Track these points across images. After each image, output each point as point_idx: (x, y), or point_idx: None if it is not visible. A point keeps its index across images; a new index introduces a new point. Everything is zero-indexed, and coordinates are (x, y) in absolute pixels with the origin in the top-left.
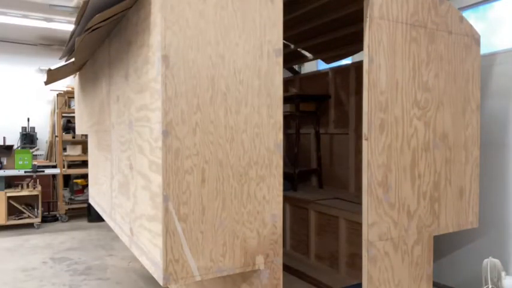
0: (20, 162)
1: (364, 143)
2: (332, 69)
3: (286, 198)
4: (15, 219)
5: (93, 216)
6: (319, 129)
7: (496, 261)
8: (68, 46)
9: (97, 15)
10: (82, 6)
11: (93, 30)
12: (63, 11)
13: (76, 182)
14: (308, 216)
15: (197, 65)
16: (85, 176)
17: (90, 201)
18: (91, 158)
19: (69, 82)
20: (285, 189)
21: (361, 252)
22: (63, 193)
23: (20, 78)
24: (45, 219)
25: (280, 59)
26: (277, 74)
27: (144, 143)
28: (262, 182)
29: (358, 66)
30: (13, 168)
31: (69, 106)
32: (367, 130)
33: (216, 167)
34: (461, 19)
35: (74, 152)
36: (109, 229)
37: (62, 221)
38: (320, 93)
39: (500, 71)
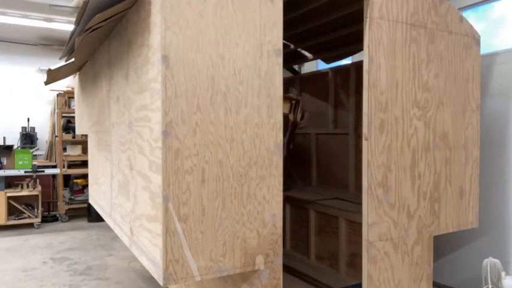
0: (20, 162)
1: (364, 143)
2: (332, 69)
3: (286, 198)
4: (15, 219)
5: (93, 216)
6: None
7: (496, 261)
8: (68, 46)
9: (97, 15)
10: (82, 6)
11: (93, 30)
12: (63, 11)
13: (76, 182)
14: (308, 216)
15: (197, 65)
16: (85, 176)
17: (90, 201)
18: (91, 158)
19: (69, 82)
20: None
21: (361, 252)
22: (63, 193)
23: (20, 78)
24: (45, 219)
25: (280, 59)
26: (277, 74)
27: (144, 143)
28: (262, 182)
29: (358, 66)
30: (13, 168)
31: (69, 106)
32: (367, 130)
33: (216, 167)
34: (461, 19)
35: (74, 152)
36: (109, 229)
37: (62, 221)
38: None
39: (500, 71)
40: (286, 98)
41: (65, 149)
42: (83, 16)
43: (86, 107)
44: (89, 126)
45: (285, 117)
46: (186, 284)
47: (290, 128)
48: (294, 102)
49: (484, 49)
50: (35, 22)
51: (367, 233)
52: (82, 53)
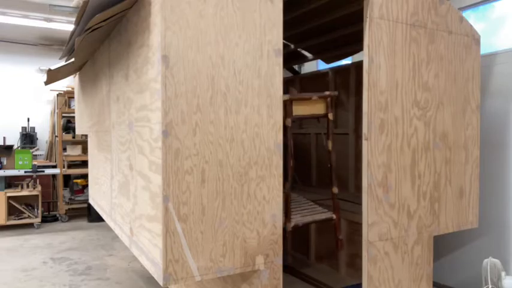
0: (20, 162)
1: (364, 143)
2: (332, 69)
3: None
4: (15, 219)
5: (93, 216)
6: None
7: (496, 261)
8: (68, 46)
9: (97, 16)
10: (82, 7)
11: (93, 30)
12: (63, 11)
13: (76, 182)
14: None
15: (197, 65)
16: (85, 176)
17: (90, 201)
18: (91, 158)
19: (69, 82)
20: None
21: (361, 252)
22: (63, 193)
23: (20, 78)
24: (45, 219)
25: (280, 59)
26: (277, 74)
27: (144, 143)
28: (262, 182)
29: (358, 66)
30: (13, 168)
31: (69, 106)
32: (367, 130)
33: (216, 167)
34: (461, 19)
35: (74, 152)
36: (109, 229)
37: (62, 221)
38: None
39: (500, 71)
40: (321, 98)
41: (65, 149)
42: (83, 16)
43: (86, 107)
44: (89, 126)
45: (324, 116)
46: (186, 284)
47: (331, 127)
48: (329, 99)
49: (484, 49)
50: (35, 22)
51: (367, 233)
52: (82, 53)
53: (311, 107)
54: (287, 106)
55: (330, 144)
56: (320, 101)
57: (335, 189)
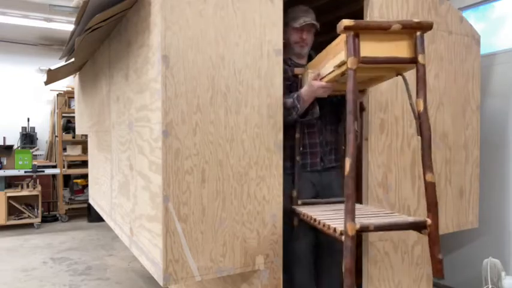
0: (20, 162)
1: (364, 143)
2: None
3: None
4: (15, 219)
5: (93, 216)
6: None
7: (496, 261)
8: (68, 46)
9: (97, 16)
10: (82, 6)
11: (93, 30)
12: (63, 11)
13: (76, 182)
14: None
15: (197, 65)
16: (85, 176)
17: (90, 201)
18: (91, 158)
19: (69, 82)
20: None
21: (361, 252)
22: (63, 193)
23: (20, 78)
24: (45, 219)
25: (280, 59)
26: (277, 74)
27: (144, 143)
28: (262, 182)
29: None
30: (13, 168)
31: (69, 106)
32: (367, 130)
33: (216, 167)
34: (461, 19)
35: (74, 152)
36: (109, 229)
37: (62, 221)
38: None
39: (500, 71)
40: (406, 29)
41: (65, 149)
42: (83, 16)
43: (86, 107)
44: (89, 126)
45: (411, 62)
46: (186, 284)
47: (422, 77)
48: (419, 34)
49: (484, 49)
50: (35, 22)
51: (368, 233)
52: (82, 53)
53: (389, 45)
54: (349, 40)
55: (421, 104)
56: (403, 36)
57: (430, 177)
